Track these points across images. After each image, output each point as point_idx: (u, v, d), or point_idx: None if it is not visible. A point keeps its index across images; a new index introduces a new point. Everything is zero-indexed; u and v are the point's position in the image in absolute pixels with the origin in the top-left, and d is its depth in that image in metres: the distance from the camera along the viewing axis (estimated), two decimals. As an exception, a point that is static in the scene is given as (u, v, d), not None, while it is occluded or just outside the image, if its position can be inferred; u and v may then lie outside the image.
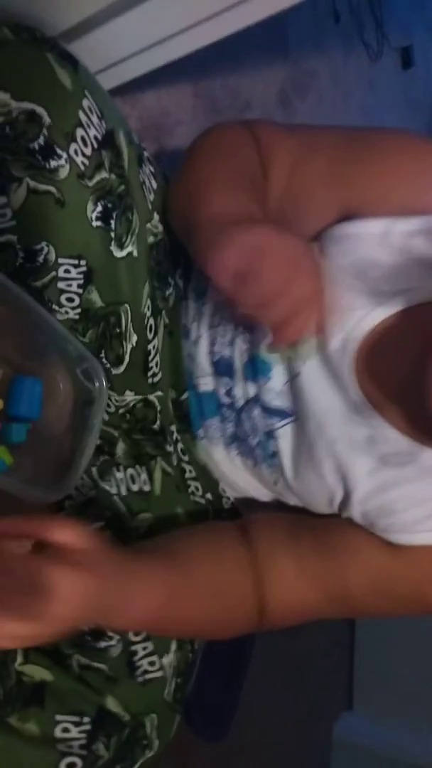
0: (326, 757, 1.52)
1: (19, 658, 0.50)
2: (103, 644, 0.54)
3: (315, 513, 0.59)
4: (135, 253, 0.56)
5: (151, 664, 0.55)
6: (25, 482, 0.53)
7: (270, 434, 0.58)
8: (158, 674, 0.55)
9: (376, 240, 0.54)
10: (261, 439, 0.59)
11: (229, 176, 0.56)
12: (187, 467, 0.65)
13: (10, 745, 0.47)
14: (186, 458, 0.65)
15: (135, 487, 0.61)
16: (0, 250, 0.53)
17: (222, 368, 0.60)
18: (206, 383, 0.62)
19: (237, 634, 0.58)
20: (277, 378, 0.57)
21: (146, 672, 0.55)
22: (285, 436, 0.57)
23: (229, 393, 0.60)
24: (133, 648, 0.55)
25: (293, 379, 0.56)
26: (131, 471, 0.61)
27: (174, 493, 0.63)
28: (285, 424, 0.57)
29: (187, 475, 0.65)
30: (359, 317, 0.53)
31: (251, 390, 0.58)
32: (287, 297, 0.46)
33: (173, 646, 0.57)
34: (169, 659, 0.56)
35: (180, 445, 0.65)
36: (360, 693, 1.60)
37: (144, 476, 0.62)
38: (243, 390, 0.59)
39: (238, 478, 0.64)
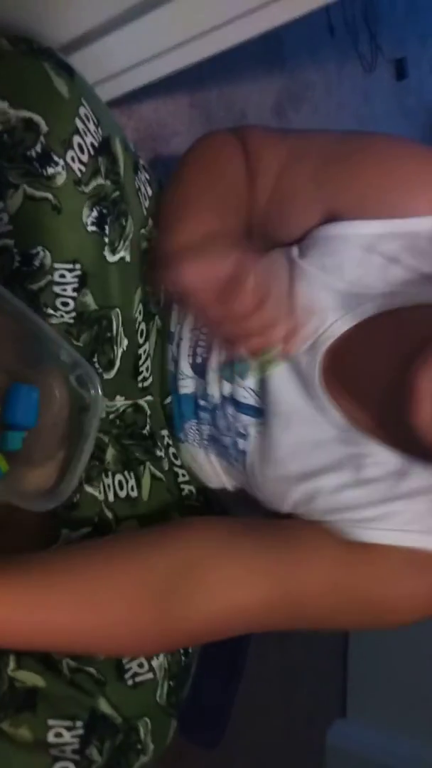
0: (320, 765, 1.51)
1: (12, 664, 0.50)
2: None
3: (277, 514, 0.59)
4: (127, 258, 0.57)
5: (140, 665, 0.55)
6: (20, 490, 0.54)
7: (241, 433, 0.59)
8: (148, 676, 0.55)
9: (360, 242, 0.55)
10: (233, 438, 0.59)
11: (208, 197, 0.57)
12: (180, 471, 0.66)
13: (3, 751, 0.47)
14: (178, 462, 0.66)
15: (122, 494, 0.61)
16: None
17: (200, 370, 0.61)
18: (186, 386, 0.63)
19: (142, 650, 0.53)
20: (252, 377, 0.58)
21: (136, 674, 0.54)
22: (254, 435, 0.58)
23: (204, 394, 0.61)
24: None
25: (264, 378, 0.57)
26: (120, 477, 0.61)
27: (165, 497, 0.64)
28: (255, 423, 0.58)
29: (180, 479, 0.66)
30: (331, 320, 0.54)
31: (227, 389, 0.59)
32: (259, 315, 0.49)
33: None
34: (158, 661, 0.56)
35: (172, 449, 0.66)
36: (353, 700, 1.61)
37: (132, 482, 0.62)
38: (219, 389, 0.60)
39: (220, 480, 0.64)
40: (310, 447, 0.55)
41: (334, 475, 0.54)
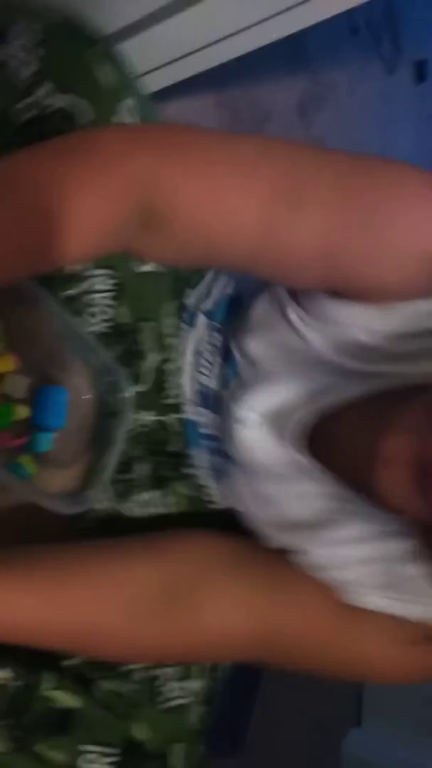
0: (335, 774, 1.50)
1: (48, 684, 0.49)
2: (124, 668, 0.53)
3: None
4: (159, 268, 0.55)
5: (174, 690, 0.54)
6: (47, 491, 0.53)
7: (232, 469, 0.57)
8: (182, 701, 0.54)
9: (366, 326, 0.48)
10: (228, 472, 0.58)
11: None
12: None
13: None
14: None
15: (153, 511, 0.60)
16: None
17: (200, 398, 0.59)
18: (190, 410, 0.60)
19: (106, 653, 0.51)
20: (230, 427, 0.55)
21: (169, 699, 0.53)
22: (239, 476, 0.56)
23: (206, 424, 0.59)
24: (155, 672, 0.54)
25: (235, 423, 0.54)
26: (149, 494, 0.60)
27: (196, 514, 0.62)
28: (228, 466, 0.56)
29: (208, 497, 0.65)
30: (324, 387, 0.50)
31: (223, 423, 0.57)
32: None
33: (196, 671, 0.56)
34: (192, 685, 0.55)
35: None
36: (369, 709, 1.59)
37: (162, 499, 0.61)
38: (215, 421, 0.58)
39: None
40: (294, 497, 0.52)
41: (314, 532, 0.51)
